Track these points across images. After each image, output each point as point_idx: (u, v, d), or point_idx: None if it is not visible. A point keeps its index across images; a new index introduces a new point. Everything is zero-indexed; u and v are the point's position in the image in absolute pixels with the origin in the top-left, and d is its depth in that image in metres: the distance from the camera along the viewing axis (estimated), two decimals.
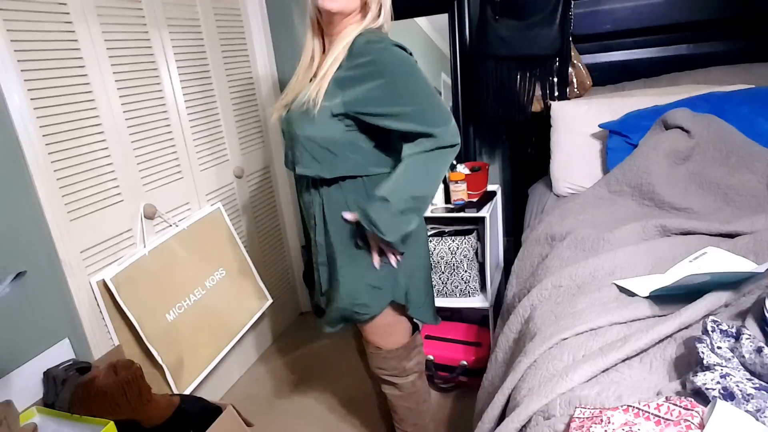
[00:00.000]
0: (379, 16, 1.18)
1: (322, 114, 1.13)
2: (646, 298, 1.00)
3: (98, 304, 1.52)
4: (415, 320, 1.42)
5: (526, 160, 2.22)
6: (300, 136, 1.17)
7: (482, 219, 1.92)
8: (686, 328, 0.88)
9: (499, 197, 2.20)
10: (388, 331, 1.36)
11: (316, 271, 1.35)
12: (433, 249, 1.96)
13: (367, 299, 1.27)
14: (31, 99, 1.33)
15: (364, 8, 1.17)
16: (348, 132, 1.16)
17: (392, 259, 1.24)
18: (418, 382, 1.48)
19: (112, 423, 1.20)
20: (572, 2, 1.88)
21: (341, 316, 1.31)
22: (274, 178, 2.45)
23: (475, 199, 1.98)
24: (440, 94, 2.29)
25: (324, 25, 1.21)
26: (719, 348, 0.75)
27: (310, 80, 1.22)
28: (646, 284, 1.04)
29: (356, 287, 1.26)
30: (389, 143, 1.21)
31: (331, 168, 1.19)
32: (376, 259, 1.23)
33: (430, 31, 2.25)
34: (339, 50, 1.14)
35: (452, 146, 1.14)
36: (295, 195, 2.56)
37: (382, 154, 1.22)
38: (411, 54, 1.15)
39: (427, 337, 2.09)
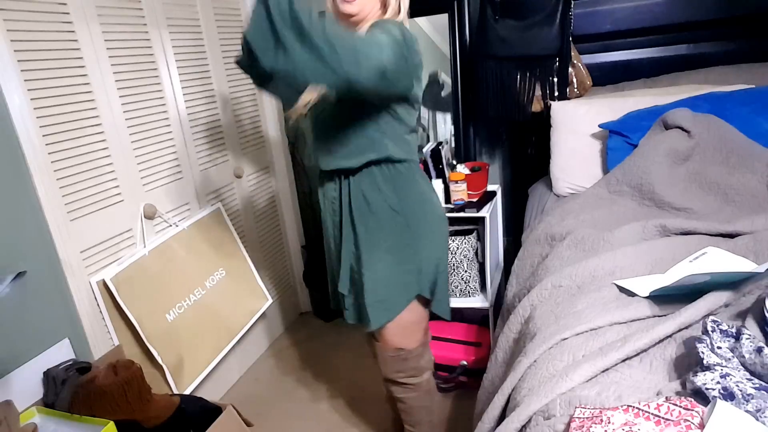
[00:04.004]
0: (399, 12, 1.18)
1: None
2: (646, 298, 1.00)
3: (98, 304, 1.52)
4: (435, 314, 1.41)
5: (526, 160, 2.22)
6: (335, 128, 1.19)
7: (482, 219, 1.92)
8: (686, 328, 0.88)
9: (499, 197, 2.20)
10: (411, 329, 1.36)
11: (334, 269, 1.36)
12: None
13: (393, 294, 1.27)
14: (31, 99, 1.33)
15: (384, 7, 1.17)
16: (373, 118, 1.16)
17: None
18: (432, 379, 1.49)
19: (112, 423, 1.20)
20: (572, 2, 1.88)
21: (364, 313, 1.29)
22: (274, 178, 2.45)
23: (475, 199, 1.98)
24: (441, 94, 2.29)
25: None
26: (719, 348, 0.75)
27: None
28: (646, 284, 1.04)
29: (382, 282, 1.26)
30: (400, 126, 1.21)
31: (360, 156, 1.20)
32: None
33: (430, 31, 2.25)
34: None
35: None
36: (295, 195, 2.56)
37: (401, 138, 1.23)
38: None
39: None
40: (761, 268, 0.91)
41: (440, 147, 2.01)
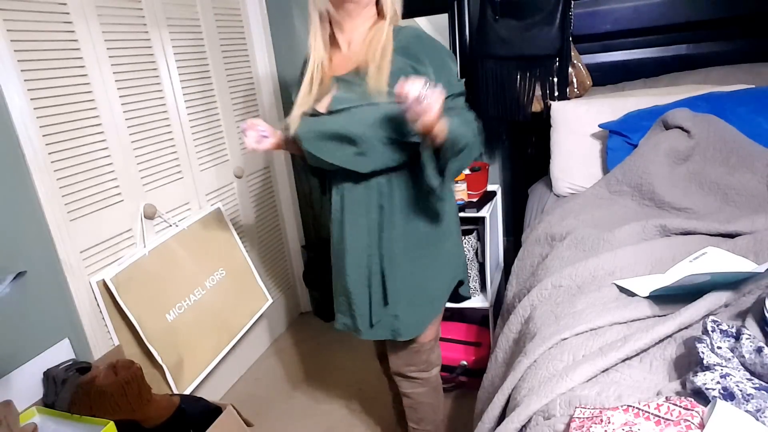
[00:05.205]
0: (397, 15, 1.20)
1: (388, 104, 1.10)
2: (646, 298, 1.00)
3: (98, 304, 1.52)
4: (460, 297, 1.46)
5: (526, 160, 2.22)
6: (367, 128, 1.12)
7: (482, 219, 1.92)
8: (686, 328, 0.88)
9: (499, 197, 2.20)
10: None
11: (346, 282, 1.29)
12: None
13: (438, 296, 1.32)
14: (31, 99, 1.33)
15: (377, 4, 1.17)
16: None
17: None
18: (439, 376, 1.51)
19: (112, 423, 1.20)
20: (572, 2, 1.88)
21: (398, 321, 1.26)
22: (274, 178, 2.45)
23: (475, 199, 1.98)
24: None
25: (339, 19, 1.17)
26: (719, 348, 0.75)
27: (336, 78, 1.19)
28: (646, 284, 1.04)
29: (427, 286, 1.28)
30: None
31: (400, 156, 1.17)
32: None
33: (430, 31, 2.24)
34: (383, 41, 1.14)
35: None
36: (295, 195, 2.56)
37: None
38: None
39: None
40: (761, 268, 0.91)
41: None
